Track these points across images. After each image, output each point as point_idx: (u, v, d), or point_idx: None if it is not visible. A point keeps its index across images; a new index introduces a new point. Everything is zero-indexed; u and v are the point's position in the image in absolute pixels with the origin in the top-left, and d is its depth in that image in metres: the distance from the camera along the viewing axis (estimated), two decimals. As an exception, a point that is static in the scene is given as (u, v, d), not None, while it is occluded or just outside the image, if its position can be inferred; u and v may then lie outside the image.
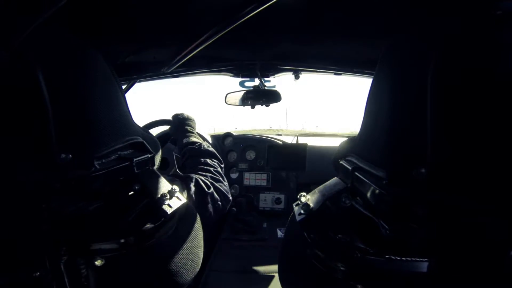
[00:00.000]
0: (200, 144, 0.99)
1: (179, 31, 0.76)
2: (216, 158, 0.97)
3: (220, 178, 0.87)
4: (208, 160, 0.92)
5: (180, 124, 1.11)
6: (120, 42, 0.83)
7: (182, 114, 1.15)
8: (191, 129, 1.10)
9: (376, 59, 0.39)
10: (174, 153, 1.19)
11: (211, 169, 0.88)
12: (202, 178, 0.78)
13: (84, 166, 0.39)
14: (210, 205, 0.75)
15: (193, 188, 0.71)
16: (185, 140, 1.03)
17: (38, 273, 0.35)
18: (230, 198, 0.86)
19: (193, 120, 1.15)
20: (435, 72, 0.27)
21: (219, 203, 0.79)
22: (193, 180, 0.73)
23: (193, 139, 1.04)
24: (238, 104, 1.43)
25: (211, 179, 0.82)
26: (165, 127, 1.59)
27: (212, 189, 0.77)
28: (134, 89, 1.30)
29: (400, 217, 0.32)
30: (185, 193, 0.66)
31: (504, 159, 0.25)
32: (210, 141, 1.23)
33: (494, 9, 0.26)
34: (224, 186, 0.86)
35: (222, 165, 0.96)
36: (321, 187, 0.49)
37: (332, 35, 0.84)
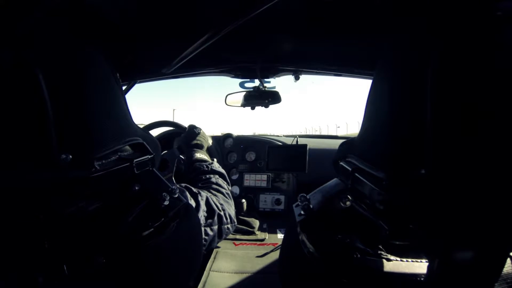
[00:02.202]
0: (212, 163, 1.00)
1: (180, 32, 0.77)
2: (226, 179, 0.97)
3: (230, 201, 0.87)
4: (220, 181, 0.93)
5: (193, 137, 1.12)
6: (121, 42, 0.83)
7: (198, 129, 1.17)
8: (202, 145, 1.11)
9: (376, 60, 0.39)
10: (176, 160, 1.19)
11: (223, 190, 0.89)
12: (214, 198, 0.78)
13: (84, 166, 0.39)
14: (216, 227, 0.73)
15: (203, 206, 0.70)
16: (196, 155, 1.04)
17: (39, 274, 0.35)
18: (236, 222, 0.85)
19: (207, 137, 1.17)
20: (435, 72, 0.27)
21: (226, 226, 0.77)
22: (204, 198, 0.72)
23: (203, 156, 1.05)
24: (238, 105, 1.43)
25: (222, 201, 0.82)
26: (164, 128, 1.59)
27: (222, 212, 0.76)
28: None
29: (400, 218, 0.32)
30: (192, 205, 0.65)
31: (506, 159, 0.25)
32: (211, 142, 1.23)
33: (494, 10, 0.26)
34: (233, 210, 0.85)
35: (230, 187, 0.96)
36: (321, 188, 0.49)
37: (332, 36, 0.84)
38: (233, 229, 0.82)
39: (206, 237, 0.69)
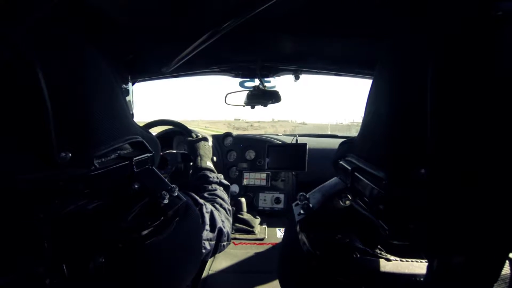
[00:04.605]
0: (219, 174, 1.03)
1: (180, 31, 0.76)
2: (228, 192, 0.99)
3: (230, 218, 0.88)
4: (225, 195, 0.94)
5: (205, 146, 1.15)
6: (121, 41, 0.83)
7: (207, 138, 1.20)
8: (209, 156, 1.14)
9: (376, 59, 0.39)
10: (177, 164, 1.20)
11: (226, 206, 0.89)
12: (217, 213, 0.78)
13: (83, 165, 0.39)
14: (213, 243, 0.74)
15: (207, 220, 0.71)
16: (207, 163, 1.07)
17: (40, 272, 0.35)
18: (230, 240, 0.87)
19: (211, 151, 1.20)
20: (435, 72, 0.27)
21: (223, 243, 0.78)
22: (209, 211, 0.73)
23: (211, 166, 1.08)
24: (238, 104, 1.43)
25: (224, 217, 0.83)
26: (164, 127, 1.59)
27: (223, 229, 0.77)
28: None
29: (400, 218, 0.32)
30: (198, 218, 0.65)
31: (505, 158, 0.26)
32: (211, 141, 1.23)
33: (495, 10, 0.26)
34: (230, 227, 0.87)
35: (229, 201, 0.97)
36: (320, 187, 0.49)
37: (332, 36, 0.84)
38: (227, 246, 0.83)
39: (203, 251, 0.69)
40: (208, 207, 0.73)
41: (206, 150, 1.14)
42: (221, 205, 0.87)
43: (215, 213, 0.76)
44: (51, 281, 0.35)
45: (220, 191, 0.94)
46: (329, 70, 1.17)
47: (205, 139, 1.19)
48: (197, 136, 1.24)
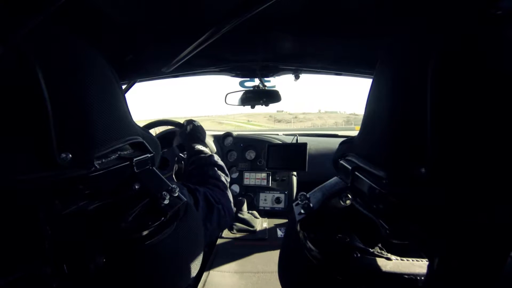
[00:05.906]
0: (211, 155, 1.01)
1: (179, 31, 0.77)
2: (224, 171, 0.98)
3: (226, 194, 0.88)
4: (217, 174, 0.93)
5: (192, 131, 1.13)
6: (121, 41, 0.83)
7: (196, 122, 1.18)
8: (200, 138, 1.12)
9: (376, 59, 0.39)
10: (176, 159, 1.20)
11: (219, 184, 0.89)
12: (211, 192, 0.79)
13: (84, 165, 0.39)
14: (215, 221, 0.76)
15: (201, 202, 0.72)
16: (196, 148, 1.05)
17: (40, 272, 0.35)
18: (234, 214, 0.87)
19: (204, 130, 1.18)
20: (435, 72, 0.27)
21: (224, 219, 0.80)
22: (202, 194, 0.74)
23: (203, 148, 1.06)
24: (238, 104, 1.44)
25: (219, 195, 0.83)
26: (165, 127, 1.59)
27: (219, 205, 0.78)
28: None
29: (400, 217, 0.32)
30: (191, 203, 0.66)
31: (506, 157, 0.26)
32: (211, 140, 1.23)
33: (495, 9, 0.26)
34: (230, 202, 0.87)
35: (228, 179, 0.97)
36: (321, 186, 0.49)
37: (332, 35, 0.84)
38: (231, 220, 0.85)
39: (206, 232, 0.71)
40: (201, 190, 0.75)
41: (197, 134, 1.13)
42: (214, 185, 0.88)
43: (210, 193, 0.78)
44: (52, 281, 0.35)
45: (213, 171, 0.93)
46: (329, 70, 1.18)
47: (190, 125, 1.17)
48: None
